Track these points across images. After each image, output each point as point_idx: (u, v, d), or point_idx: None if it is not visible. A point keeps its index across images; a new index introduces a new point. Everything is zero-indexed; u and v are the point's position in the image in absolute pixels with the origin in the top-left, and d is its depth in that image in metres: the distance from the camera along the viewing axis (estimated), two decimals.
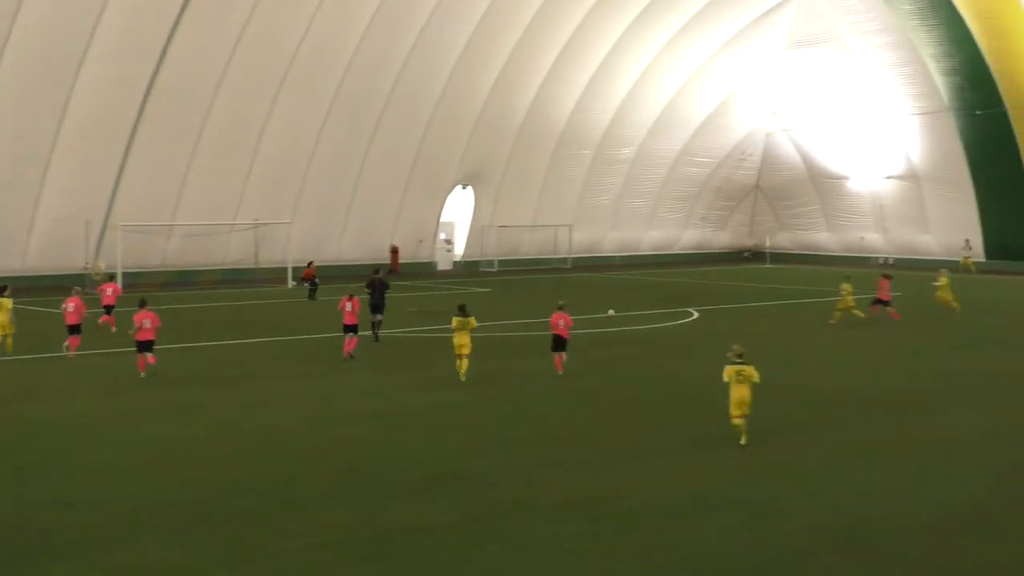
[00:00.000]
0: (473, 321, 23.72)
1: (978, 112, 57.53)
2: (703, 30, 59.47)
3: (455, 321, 23.61)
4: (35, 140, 43.41)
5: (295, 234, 50.14)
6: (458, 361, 23.45)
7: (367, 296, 30.24)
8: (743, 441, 17.33)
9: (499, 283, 50.45)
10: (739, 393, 17.46)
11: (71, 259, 45.45)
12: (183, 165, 47.36)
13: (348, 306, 26.98)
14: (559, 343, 24.36)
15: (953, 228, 61.29)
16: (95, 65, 42.89)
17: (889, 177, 63.53)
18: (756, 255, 70.49)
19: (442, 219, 58.85)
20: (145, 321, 24.04)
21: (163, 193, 47.23)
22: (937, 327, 34.69)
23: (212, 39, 45.37)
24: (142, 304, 24.70)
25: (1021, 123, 56.47)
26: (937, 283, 38.29)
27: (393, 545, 12.59)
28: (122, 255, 44.20)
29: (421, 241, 57.67)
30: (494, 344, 28.04)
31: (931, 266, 61.08)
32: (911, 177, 62.48)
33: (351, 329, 26.85)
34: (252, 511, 13.90)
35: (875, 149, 63.04)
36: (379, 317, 29.89)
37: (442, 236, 59.72)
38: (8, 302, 27.63)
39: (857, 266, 63.56)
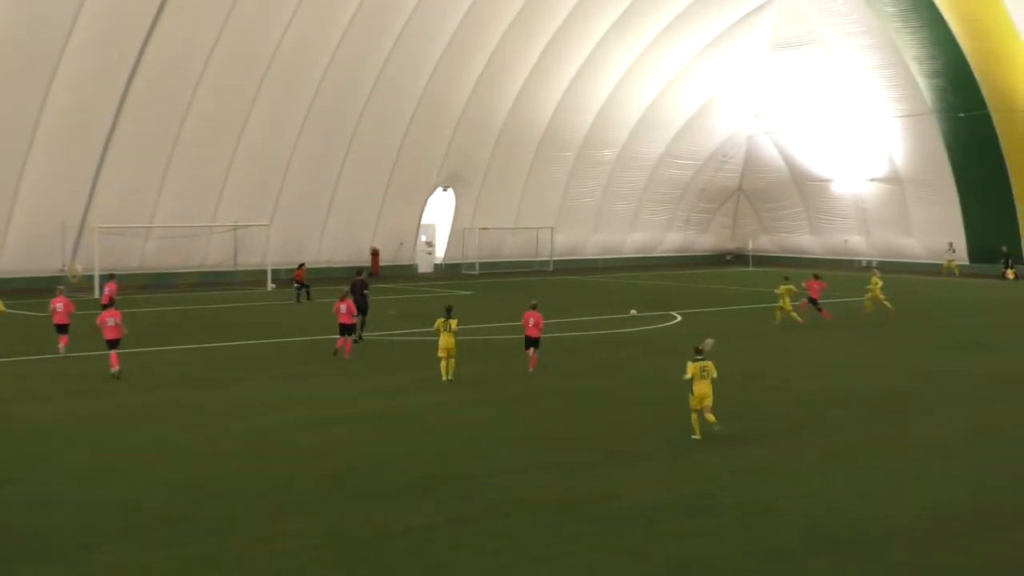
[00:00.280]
0: (455, 323, 23.69)
1: (961, 115, 57.79)
2: (685, 32, 59.58)
3: (438, 323, 23.72)
4: (10, 139, 43.10)
5: (275, 236, 49.97)
6: (442, 363, 23.54)
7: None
8: (698, 436, 17.89)
9: (481, 286, 50.39)
10: (701, 389, 17.97)
11: (47, 261, 45.14)
12: (161, 166, 47.14)
13: (343, 308, 27.31)
14: (531, 341, 25.20)
15: (936, 231, 61.57)
16: (72, 63, 42.62)
17: (872, 180, 63.78)
18: (739, 258, 70.65)
19: (423, 221, 58.74)
20: (109, 320, 24.24)
21: (141, 194, 46.98)
22: (922, 329, 34.84)
23: (191, 38, 45.18)
24: (109, 303, 25.91)
25: (1004, 126, 56.74)
26: (870, 285, 38.71)
27: (379, 549, 12.50)
28: (99, 257, 43.90)
29: (402, 243, 57.56)
30: (477, 347, 27.99)
31: (916, 269, 61.69)
32: (894, 180, 62.75)
33: (347, 330, 27.24)
34: (236, 515, 13.78)
35: (858, 152, 63.27)
36: (362, 318, 30.11)
37: (423, 238, 59.62)
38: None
39: (841, 269, 63.80)
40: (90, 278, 42.50)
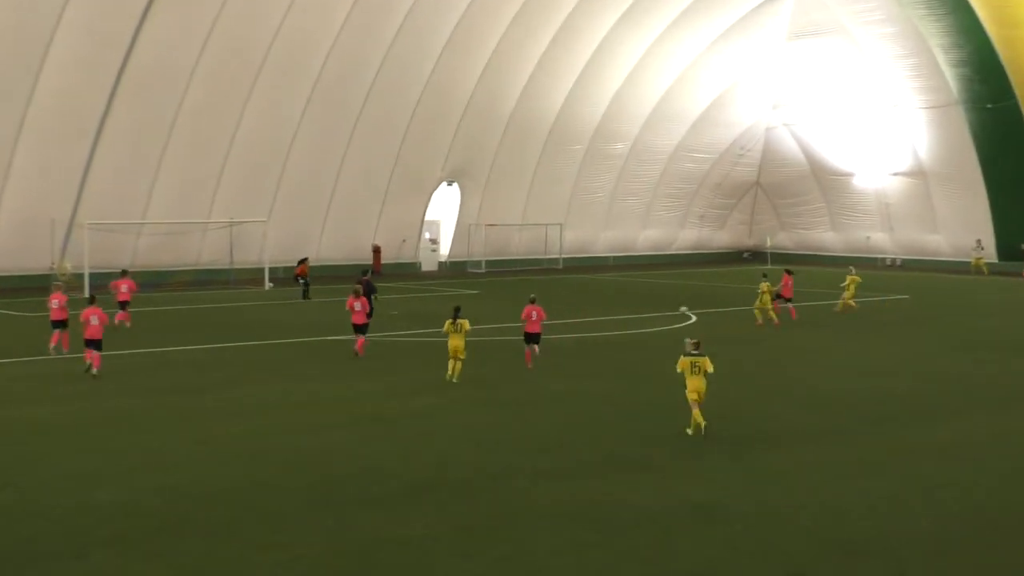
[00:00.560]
0: (466, 324, 24.05)
1: (989, 105, 57.71)
2: (700, 19, 59.57)
3: (448, 324, 23.99)
4: None
5: (272, 233, 50.06)
6: (450, 363, 23.84)
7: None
8: (691, 432, 18.44)
9: (487, 284, 50.45)
10: (694, 384, 18.54)
11: (36, 259, 45.28)
12: (153, 160, 47.24)
13: (357, 305, 27.64)
14: (531, 336, 26.01)
15: (963, 227, 61.49)
16: (60, 55, 42.75)
17: (896, 174, 63.70)
18: (756, 255, 70.58)
19: (427, 217, 58.80)
20: (92, 318, 24.39)
21: (132, 190, 47.10)
22: (944, 329, 34.85)
23: (184, 25, 45.26)
24: (91, 301, 25.59)
25: None
26: (845, 283, 39.11)
27: (376, 559, 12.58)
28: (89, 254, 44.01)
29: (404, 241, 57.63)
30: (483, 348, 28.05)
31: (942, 267, 61.61)
32: (919, 174, 62.66)
33: (360, 329, 27.58)
34: (230, 521, 13.87)
35: (881, 144, 63.20)
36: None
37: (427, 235, 59.68)
38: None
39: (863, 267, 63.73)
40: (80, 276, 42.61)
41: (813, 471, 16.57)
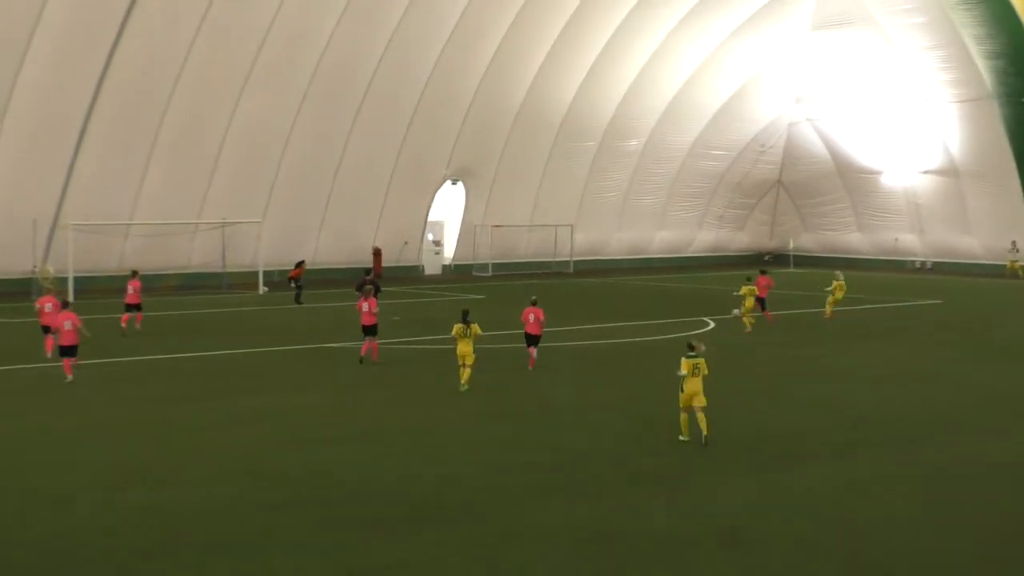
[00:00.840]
0: (477, 329, 24.30)
1: None
2: (720, 8, 59.52)
3: (457, 329, 24.22)
4: None
5: (267, 235, 50.02)
6: (460, 370, 24.10)
7: (356, 299, 30.64)
8: (685, 438, 18.90)
9: (494, 289, 50.36)
10: (695, 386, 18.93)
11: (17, 262, 45.28)
12: (141, 158, 47.23)
13: (365, 307, 27.99)
14: (531, 338, 26.94)
15: (998, 228, 61.33)
16: (43, 49, 42.74)
17: (926, 172, 63.53)
18: (778, 258, 70.49)
19: (430, 218, 58.78)
20: (66, 323, 24.45)
21: (118, 189, 47.09)
22: (976, 337, 34.68)
23: (171, 17, 45.23)
24: (64, 305, 26.02)
25: None
26: (830, 287, 39.25)
27: None
28: (74, 257, 44.01)
29: (406, 242, 57.60)
30: (490, 356, 27.92)
31: (975, 271, 61.42)
32: (950, 172, 62.49)
33: (370, 331, 27.90)
34: (218, 544, 13.74)
35: (910, 141, 63.07)
36: None
37: (430, 237, 59.65)
38: None
39: (891, 271, 63.60)
40: (63, 280, 42.56)
41: (840, 489, 16.40)
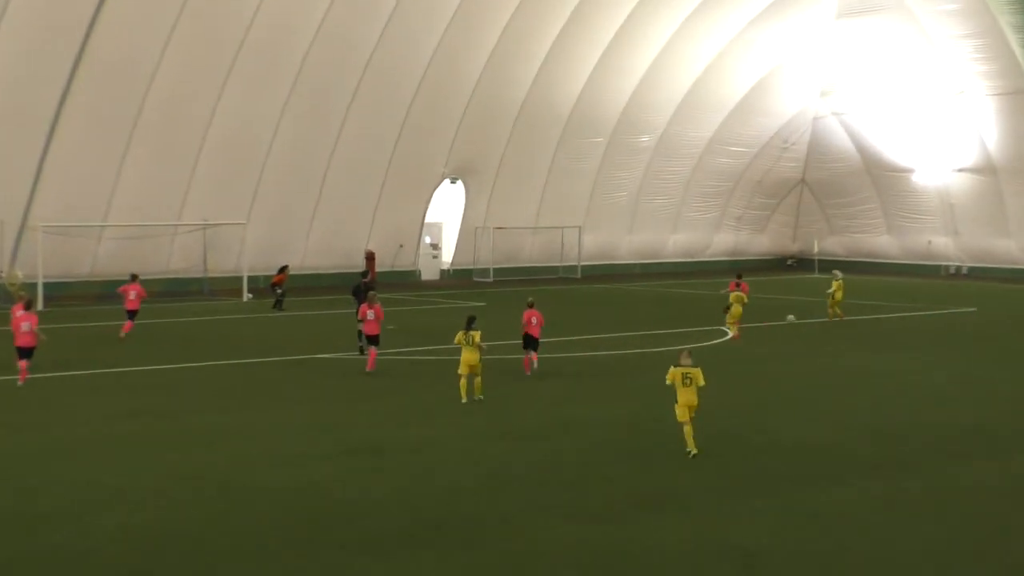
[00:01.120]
0: (476, 337, 24.52)
1: None
2: None
3: (458, 337, 24.59)
4: None
5: (251, 237, 50.05)
6: (462, 381, 24.34)
7: (351, 305, 30.99)
8: (693, 451, 19.19)
9: (495, 296, 50.37)
10: (687, 397, 19.38)
11: None
12: (116, 156, 47.24)
13: (370, 314, 28.31)
14: (529, 342, 27.98)
15: None
16: (9, 38, 42.81)
17: (961, 170, 63.54)
18: (802, 263, 70.47)
19: (427, 220, 58.81)
20: (24, 324, 24.60)
21: (92, 189, 47.11)
22: (1015, 348, 34.68)
23: (148, 8, 45.20)
24: (27, 306, 26.28)
25: None
26: (831, 289, 40.53)
27: None
28: (43, 261, 44.04)
29: (402, 246, 57.62)
30: (493, 368, 27.94)
31: (1014, 276, 61.39)
32: (987, 169, 62.50)
33: (372, 340, 28.28)
34: (198, 570, 13.79)
35: (944, 136, 63.04)
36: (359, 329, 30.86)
37: (427, 240, 59.68)
38: None
39: (923, 276, 63.58)
40: (32, 286, 42.59)
41: (865, 511, 16.44)
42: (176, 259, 50.18)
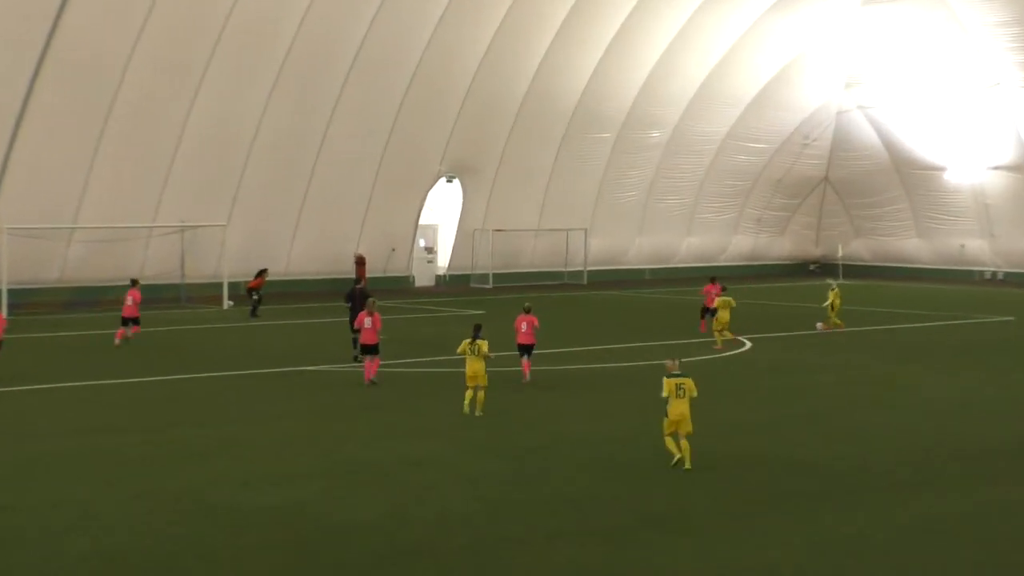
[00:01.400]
0: (484, 346, 24.82)
1: None
2: None
3: (463, 346, 24.87)
4: None
5: (232, 240, 50.00)
6: (467, 392, 24.55)
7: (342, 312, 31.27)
8: (687, 465, 19.46)
9: (495, 303, 50.32)
10: (680, 409, 19.68)
11: None
12: (86, 153, 47.19)
13: (367, 322, 28.42)
14: (524, 348, 28.70)
15: None
16: None
17: (996, 167, 63.60)
18: (825, 268, 70.45)
19: (421, 221, 58.81)
20: None
21: (61, 188, 47.08)
22: None
23: None
24: None
25: None
26: (827, 302, 41.00)
27: None
28: (8, 266, 44.03)
29: (394, 249, 57.61)
30: (493, 381, 27.95)
31: None
32: None
33: (371, 350, 28.35)
34: None
35: (979, 131, 63.06)
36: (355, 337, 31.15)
37: (421, 243, 59.67)
38: None
39: (956, 282, 63.55)
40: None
41: (896, 535, 16.45)
42: (151, 264, 50.08)
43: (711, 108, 63.86)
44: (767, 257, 71.28)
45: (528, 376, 28.45)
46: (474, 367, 24.62)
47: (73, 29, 44.53)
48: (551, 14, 56.25)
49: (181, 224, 49.59)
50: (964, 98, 62.69)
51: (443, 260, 60.94)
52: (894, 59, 64.27)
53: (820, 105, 67.16)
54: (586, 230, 62.99)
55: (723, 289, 38.17)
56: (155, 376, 30.08)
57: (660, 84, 61.31)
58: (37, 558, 15.07)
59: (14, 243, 44.75)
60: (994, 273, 65.30)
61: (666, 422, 19.77)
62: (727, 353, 34.88)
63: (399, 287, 56.91)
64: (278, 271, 51.73)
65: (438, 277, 60.38)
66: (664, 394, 19.78)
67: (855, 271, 68.26)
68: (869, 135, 67.55)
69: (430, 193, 58.33)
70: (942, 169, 65.74)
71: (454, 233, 60.32)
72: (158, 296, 48.96)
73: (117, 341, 35.29)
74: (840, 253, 68.94)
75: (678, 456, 19.60)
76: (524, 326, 28.75)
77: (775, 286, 61.68)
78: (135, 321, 36.12)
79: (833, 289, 41.24)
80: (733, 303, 36.93)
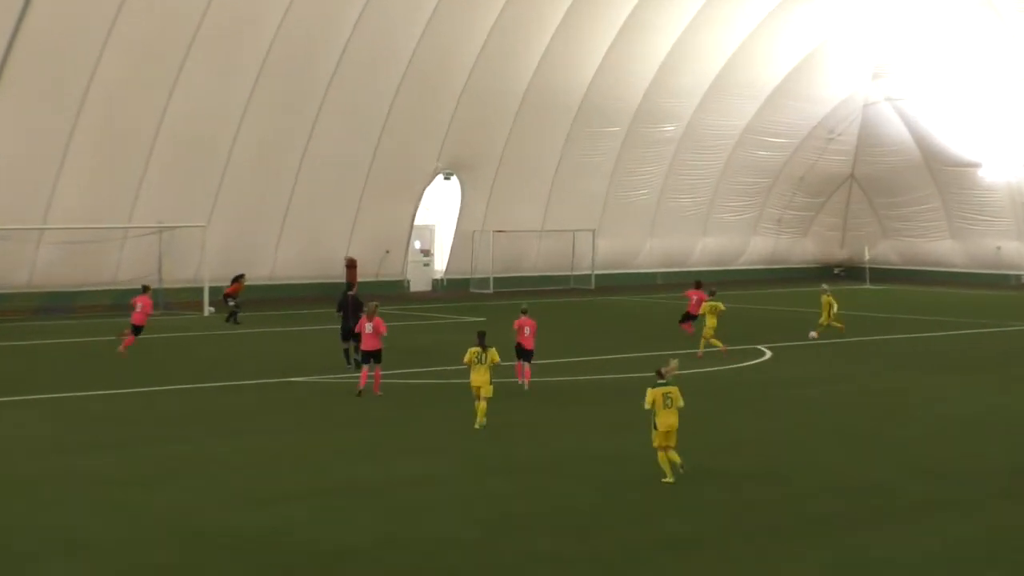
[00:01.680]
0: (495, 355, 25.08)
1: None
2: None
3: (471, 354, 25.01)
4: None
5: (213, 242, 50.02)
6: (477, 404, 24.79)
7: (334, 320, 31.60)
8: (670, 479, 19.83)
9: (496, 310, 50.27)
10: (667, 420, 19.88)
11: None
12: (56, 150, 47.20)
13: (369, 327, 28.60)
14: (523, 353, 29.46)
15: None
16: None
17: None
18: (851, 272, 70.44)
19: (417, 222, 58.84)
20: None
21: (28, 188, 47.10)
22: None
23: None
24: None
25: None
26: (822, 318, 41.14)
27: None
28: None
29: (388, 252, 57.64)
30: (495, 393, 28.01)
31: None
32: None
33: (372, 356, 28.58)
34: None
35: (1016, 126, 63.07)
36: (355, 344, 31.41)
37: (417, 245, 59.69)
38: None
39: (991, 287, 63.53)
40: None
41: (921, 558, 16.49)
42: (126, 267, 50.13)
43: (728, 100, 63.90)
44: (788, 260, 71.28)
45: (528, 383, 29.05)
46: (481, 377, 24.78)
47: (43, 16, 44.58)
48: (556, 1, 56.23)
49: (158, 225, 49.63)
50: (1000, 89, 62.73)
51: (440, 263, 60.97)
52: (925, 47, 64.26)
53: (845, 97, 67.19)
54: (594, 231, 63.02)
55: (711, 294, 38.26)
56: (131, 388, 30.08)
57: (673, 74, 61.34)
58: None
59: None
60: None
61: (655, 435, 19.94)
62: (743, 364, 34.89)
63: (393, 292, 56.87)
64: (263, 275, 51.83)
65: (435, 282, 60.43)
66: (648, 406, 19.96)
67: (883, 275, 68.25)
68: (898, 129, 67.55)
69: (426, 192, 58.36)
70: (976, 166, 65.75)
71: (452, 234, 60.34)
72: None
73: (122, 349, 35.46)
74: (867, 256, 68.91)
75: (670, 480, 19.80)
76: (527, 329, 29.47)
77: (797, 291, 61.61)
78: (136, 331, 36.23)
79: (827, 295, 41.16)
80: (722, 307, 37.06)
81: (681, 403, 20.03)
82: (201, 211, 50.74)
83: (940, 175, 67.43)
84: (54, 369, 33.19)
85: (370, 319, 28.76)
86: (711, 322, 36.52)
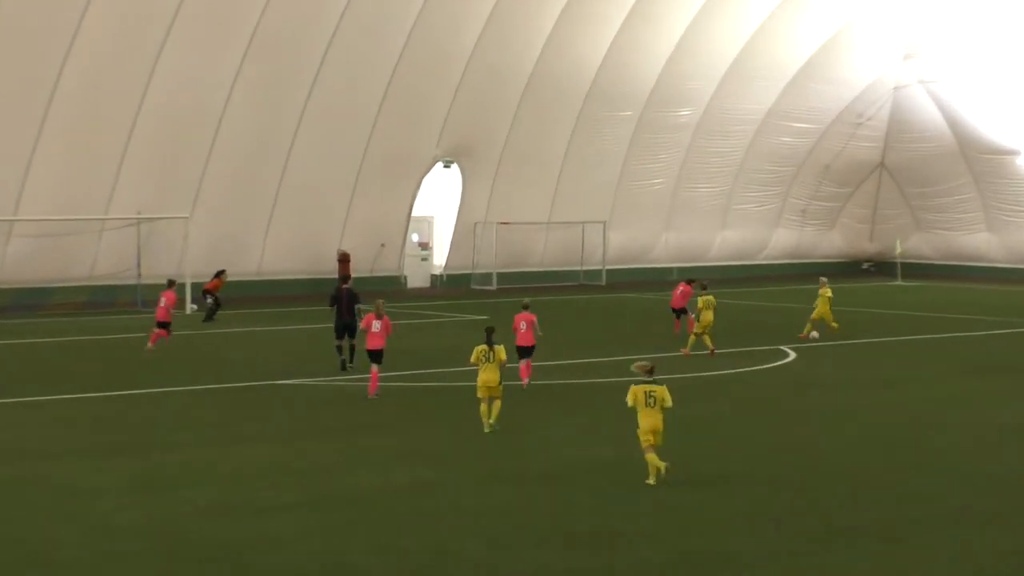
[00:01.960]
0: (502, 353, 25.19)
1: None
2: None
3: (479, 352, 25.08)
4: None
5: (196, 235, 50.04)
6: (482, 406, 24.89)
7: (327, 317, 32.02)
8: (651, 481, 20.27)
9: (500, 308, 50.22)
10: (651, 420, 20.26)
11: None
12: (28, 137, 47.25)
13: (375, 325, 28.94)
14: (523, 350, 29.85)
15: None
16: None
17: None
18: (881, 267, 70.43)
19: (415, 213, 58.84)
20: None
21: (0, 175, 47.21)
22: None
23: None
24: None
25: None
26: (816, 303, 41.41)
27: None
28: None
29: (383, 245, 57.66)
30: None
31: None
32: None
33: (375, 357, 28.87)
34: None
35: None
36: (351, 341, 32.23)
37: (414, 238, 59.71)
38: None
39: None
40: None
41: (964, 573, 16.41)
42: (103, 262, 50.19)
43: (748, 83, 63.88)
44: (814, 254, 71.26)
45: (527, 381, 29.39)
46: (490, 376, 24.85)
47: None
48: None
49: (137, 216, 49.65)
50: None
51: (439, 258, 61.01)
52: (960, 26, 64.28)
53: (874, 79, 67.18)
54: (605, 223, 63.03)
55: (704, 288, 38.32)
56: (107, 391, 30.10)
57: (689, 57, 61.33)
58: None
59: None
60: None
61: (640, 436, 20.28)
62: (766, 365, 34.85)
63: (389, 289, 56.80)
64: (249, 270, 51.86)
65: (434, 277, 60.46)
66: (629, 404, 20.31)
67: (915, 270, 68.22)
68: (931, 114, 67.51)
69: (425, 181, 58.36)
70: (1015, 153, 65.74)
71: (452, 227, 60.34)
72: (111, 299, 49.21)
73: (151, 346, 36.50)
74: (898, 250, 68.90)
75: (651, 481, 20.19)
76: (523, 325, 29.85)
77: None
78: (163, 326, 37.14)
79: (823, 289, 41.18)
80: (713, 301, 37.22)
81: (668, 403, 20.28)
82: (183, 201, 50.75)
83: (976, 163, 67.39)
84: (24, 371, 33.11)
85: (378, 317, 28.93)
86: (707, 318, 36.61)
